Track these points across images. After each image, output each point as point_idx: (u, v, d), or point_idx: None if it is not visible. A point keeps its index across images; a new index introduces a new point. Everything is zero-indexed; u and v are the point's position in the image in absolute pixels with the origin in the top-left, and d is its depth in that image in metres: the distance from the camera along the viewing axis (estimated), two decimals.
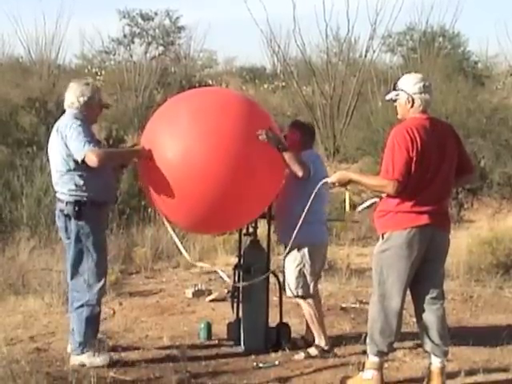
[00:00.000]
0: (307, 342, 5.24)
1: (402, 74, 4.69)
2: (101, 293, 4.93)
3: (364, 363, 4.61)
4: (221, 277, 5.38)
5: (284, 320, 5.39)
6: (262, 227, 5.60)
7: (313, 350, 5.11)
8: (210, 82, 21.79)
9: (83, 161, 4.65)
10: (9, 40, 30.30)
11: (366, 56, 14.92)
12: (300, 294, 5.11)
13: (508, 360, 4.97)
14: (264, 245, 5.34)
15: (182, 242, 5.80)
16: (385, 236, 4.47)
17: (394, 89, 4.55)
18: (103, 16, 40.87)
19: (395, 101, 4.56)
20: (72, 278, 4.91)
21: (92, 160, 4.63)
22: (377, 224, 4.54)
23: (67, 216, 4.80)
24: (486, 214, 10.76)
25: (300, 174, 4.88)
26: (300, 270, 5.08)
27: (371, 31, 14.52)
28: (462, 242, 7.68)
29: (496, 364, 4.89)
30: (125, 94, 18.78)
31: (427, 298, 4.51)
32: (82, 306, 4.85)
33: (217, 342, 5.39)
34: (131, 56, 25.12)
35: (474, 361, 4.91)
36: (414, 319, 4.73)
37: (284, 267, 5.19)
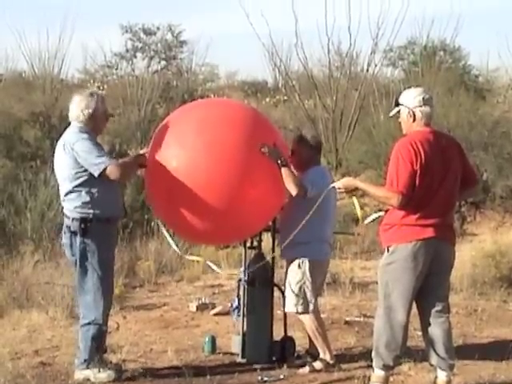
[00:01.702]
0: (312, 355, 5.23)
1: (404, 88, 4.72)
2: (107, 311, 4.86)
3: (369, 377, 4.60)
4: (213, 269, 5.43)
5: (288, 334, 5.38)
6: (266, 240, 5.61)
7: (318, 364, 5.09)
8: (212, 95, 21.82)
9: (99, 175, 4.59)
10: (12, 55, 30.32)
11: (367, 70, 14.97)
12: (300, 310, 5.09)
13: None
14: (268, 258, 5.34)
15: (185, 256, 5.83)
16: (390, 249, 4.47)
17: (396, 105, 4.58)
18: (106, 31, 41.05)
19: (399, 117, 4.59)
20: (79, 295, 4.87)
21: (114, 172, 4.58)
22: (382, 237, 4.55)
23: (73, 232, 4.72)
24: (488, 227, 10.76)
25: (293, 192, 4.86)
26: (300, 286, 5.06)
27: (373, 45, 14.57)
28: (465, 256, 7.68)
29: (502, 378, 4.88)
30: (127, 108, 18.80)
31: (433, 311, 4.51)
32: (88, 323, 4.79)
33: (221, 355, 5.38)
34: (133, 70, 25.20)
35: (479, 375, 4.89)
36: (419, 332, 4.73)
37: (285, 282, 5.18)
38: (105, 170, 4.59)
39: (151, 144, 4.95)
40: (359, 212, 4.55)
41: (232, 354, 5.34)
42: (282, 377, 4.96)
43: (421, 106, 4.45)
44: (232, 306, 5.41)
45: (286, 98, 20.36)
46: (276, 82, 25.07)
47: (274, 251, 5.37)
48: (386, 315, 4.48)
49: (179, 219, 4.81)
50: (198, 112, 5.00)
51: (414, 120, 4.47)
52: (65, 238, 4.82)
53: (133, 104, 18.78)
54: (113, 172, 4.60)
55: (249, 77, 29.69)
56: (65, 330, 6.02)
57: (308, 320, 5.11)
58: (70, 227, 4.74)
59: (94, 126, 4.81)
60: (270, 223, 5.23)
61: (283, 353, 5.26)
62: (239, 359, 5.24)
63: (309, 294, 5.07)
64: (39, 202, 8.74)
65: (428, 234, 4.38)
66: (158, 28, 29.09)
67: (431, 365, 4.59)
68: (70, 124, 4.88)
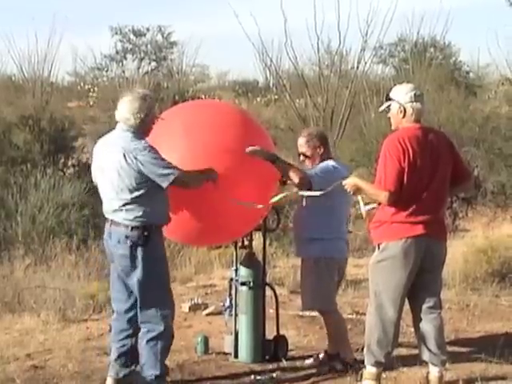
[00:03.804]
0: (330, 355, 5.14)
1: (395, 85, 4.71)
2: (173, 320, 4.63)
3: (362, 374, 4.60)
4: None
5: (281, 332, 5.38)
6: (258, 240, 5.60)
7: (338, 364, 5.02)
8: (203, 96, 21.81)
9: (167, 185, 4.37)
10: (1, 58, 30.26)
11: (357, 68, 14.94)
12: (321, 308, 5.08)
13: (506, 368, 4.95)
14: (260, 257, 5.34)
15: (177, 257, 5.81)
16: (381, 246, 4.48)
17: (387, 100, 4.57)
18: (95, 33, 41.02)
19: (389, 112, 4.58)
20: (141, 309, 4.51)
21: (183, 183, 4.41)
22: (372, 234, 4.55)
23: (134, 243, 4.41)
24: (480, 222, 10.79)
25: (296, 180, 4.82)
26: (318, 284, 5.01)
27: (362, 43, 14.54)
28: (457, 251, 7.69)
29: (494, 372, 4.88)
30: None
31: (424, 307, 4.51)
32: (155, 337, 4.49)
33: (214, 355, 5.37)
34: (124, 72, 25.17)
35: (471, 370, 4.89)
36: (412, 329, 4.73)
37: (302, 281, 5.16)
38: (173, 180, 4.39)
39: None
40: (363, 209, 4.55)
41: (225, 353, 5.34)
42: (274, 375, 4.96)
43: (412, 102, 4.44)
44: (224, 305, 5.41)
45: (276, 97, 20.36)
46: (267, 82, 25.08)
47: (265, 250, 5.37)
48: (377, 312, 4.48)
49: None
50: (185, 115, 4.98)
51: (404, 116, 4.47)
52: (122, 249, 4.47)
53: None
54: (182, 182, 4.42)
55: (240, 77, 29.73)
56: (57, 333, 5.99)
57: (331, 318, 5.08)
58: (128, 237, 4.42)
59: (145, 129, 4.51)
60: (261, 222, 5.23)
61: (276, 352, 5.25)
62: (232, 359, 5.24)
63: (328, 292, 5.04)
64: (30, 205, 8.72)
65: (418, 231, 4.38)
66: (148, 29, 29.14)
67: (423, 360, 4.59)
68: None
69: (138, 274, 4.45)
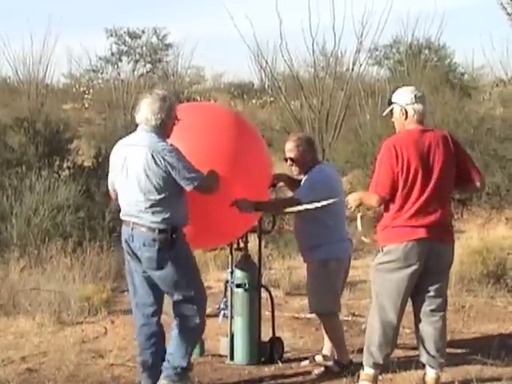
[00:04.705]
0: (326, 358, 5.18)
1: (390, 87, 4.74)
2: (205, 312, 4.62)
3: (359, 375, 4.60)
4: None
5: (276, 334, 5.37)
6: (253, 241, 5.60)
7: (334, 366, 5.03)
8: (199, 98, 21.81)
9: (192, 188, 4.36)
10: None
11: (353, 69, 14.95)
12: (326, 311, 5.07)
13: (501, 369, 4.96)
14: (255, 259, 5.33)
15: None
16: (384, 249, 4.49)
17: (389, 104, 4.58)
18: (91, 35, 41.00)
19: (392, 116, 4.58)
20: (176, 305, 4.51)
21: (207, 187, 4.40)
22: (378, 237, 4.57)
23: (162, 245, 4.37)
24: (475, 224, 10.79)
25: (292, 210, 4.91)
26: (325, 286, 5.00)
27: (357, 44, 14.55)
28: None
29: (489, 373, 4.89)
30: (113, 113, 18.76)
31: (427, 309, 4.51)
32: (190, 329, 4.50)
33: (210, 357, 5.36)
34: (119, 74, 25.13)
35: (467, 371, 4.90)
36: (408, 330, 4.73)
37: (308, 284, 5.16)
38: (197, 185, 4.37)
39: None
40: (359, 226, 4.60)
41: (220, 356, 5.33)
42: (269, 375, 4.95)
43: (413, 104, 4.46)
44: (219, 307, 5.40)
45: (272, 99, 20.38)
46: (262, 84, 25.08)
47: (260, 252, 5.36)
48: (378, 314, 4.49)
49: None
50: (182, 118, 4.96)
51: (407, 117, 4.47)
52: (149, 252, 4.40)
53: (119, 108, 18.75)
54: (201, 186, 4.39)
55: (235, 78, 29.73)
56: (52, 335, 5.98)
57: (331, 320, 5.08)
58: (156, 240, 4.37)
59: (166, 130, 4.47)
60: (257, 224, 5.22)
61: (271, 354, 5.25)
62: (228, 361, 5.24)
63: (333, 294, 5.04)
64: (25, 207, 8.68)
65: (420, 234, 4.38)
66: (143, 31, 29.11)
67: (419, 362, 4.60)
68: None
69: (169, 274, 4.43)
